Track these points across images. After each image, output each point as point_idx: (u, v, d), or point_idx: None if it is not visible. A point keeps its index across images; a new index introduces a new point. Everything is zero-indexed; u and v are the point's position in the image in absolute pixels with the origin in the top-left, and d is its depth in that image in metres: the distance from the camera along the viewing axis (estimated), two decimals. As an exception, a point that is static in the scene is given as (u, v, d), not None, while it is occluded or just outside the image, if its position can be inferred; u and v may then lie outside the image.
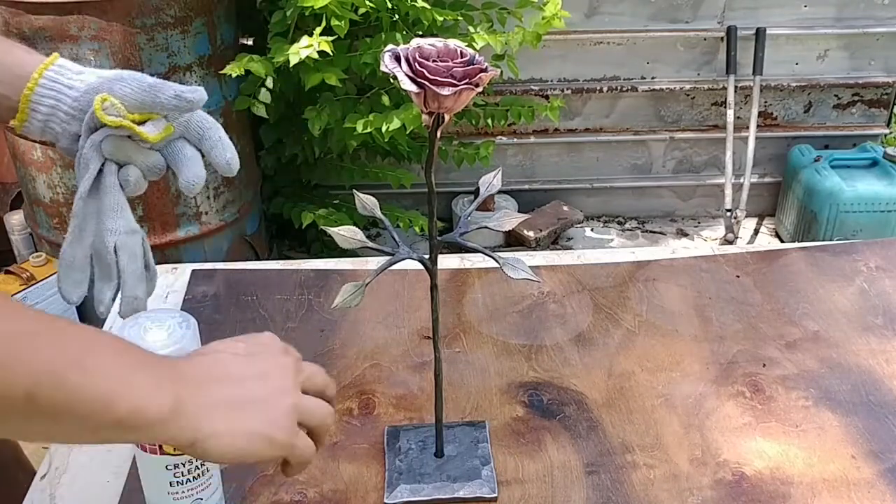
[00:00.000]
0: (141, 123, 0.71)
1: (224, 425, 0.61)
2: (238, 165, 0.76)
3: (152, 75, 0.74)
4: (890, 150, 2.63)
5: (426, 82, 0.63)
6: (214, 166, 0.75)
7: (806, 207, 2.64)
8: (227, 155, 0.75)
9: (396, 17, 2.05)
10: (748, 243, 2.82)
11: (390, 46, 0.66)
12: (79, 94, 0.72)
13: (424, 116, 0.67)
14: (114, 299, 0.74)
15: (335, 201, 2.39)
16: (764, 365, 0.98)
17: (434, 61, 0.65)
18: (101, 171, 0.71)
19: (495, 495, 0.81)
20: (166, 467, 0.72)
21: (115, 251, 0.72)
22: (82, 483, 0.84)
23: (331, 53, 1.90)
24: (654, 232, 2.91)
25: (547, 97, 2.66)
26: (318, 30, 1.88)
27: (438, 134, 0.68)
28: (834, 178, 2.56)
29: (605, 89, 2.73)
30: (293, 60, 1.87)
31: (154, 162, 0.73)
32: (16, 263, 2.24)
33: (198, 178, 0.74)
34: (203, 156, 0.76)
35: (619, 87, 2.73)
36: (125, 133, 0.71)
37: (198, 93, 0.72)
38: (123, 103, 0.70)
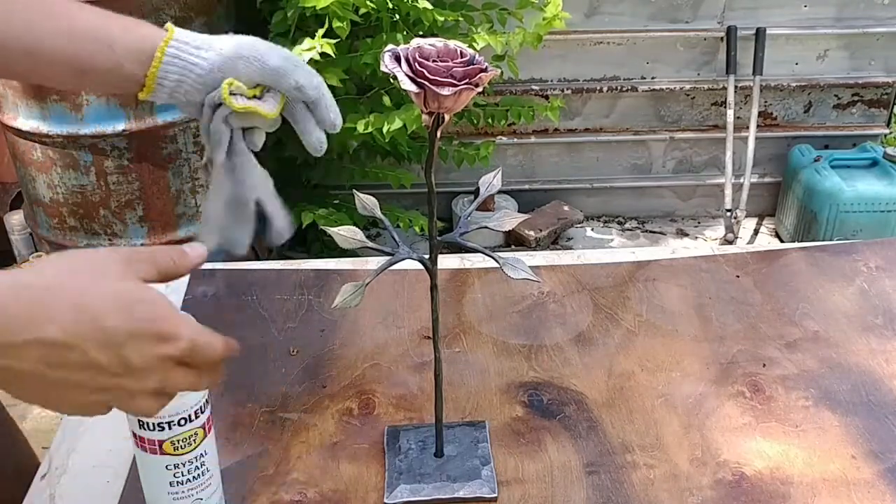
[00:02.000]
0: (260, 94, 0.77)
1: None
2: (341, 121, 0.81)
3: None
4: (890, 150, 2.63)
5: (426, 82, 0.63)
6: (320, 125, 0.80)
7: (806, 207, 2.64)
8: (331, 115, 0.79)
9: (397, 17, 2.05)
10: (748, 243, 2.82)
11: (390, 46, 0.67)
12: (203, 73, 0.76)
13: (424, 116, 0.67)
14: (250, 239, 0.82)
15: (335, 201, 2.39)
16: (764, 365, 0.98)
17: (434, 61, 0.65)
18: (230, 138, 0.78)
19: (495, 495, 0.81)
20: (166, 467, 0.72)
21: (259, 201, 0.80)
22: (82, 483, 0.84)
23: (333, 55, 1.89)
24: (654, 232, 2.91)
25: (547, 97, 2.66)
26: (321, 32, 1.88)
27: (438, 134, 0.68)
28: (834, 178, 2.56)
29: (605, 89, 2.73)
30: None
31: (273, 124, 0.79)
32: (16, 263, 2.24)
33: (321, 142, 0.79)
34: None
35: (619, 87, 2.73)
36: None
37: (320, 90, 0.77)
38: (245, 82, 0.76)
